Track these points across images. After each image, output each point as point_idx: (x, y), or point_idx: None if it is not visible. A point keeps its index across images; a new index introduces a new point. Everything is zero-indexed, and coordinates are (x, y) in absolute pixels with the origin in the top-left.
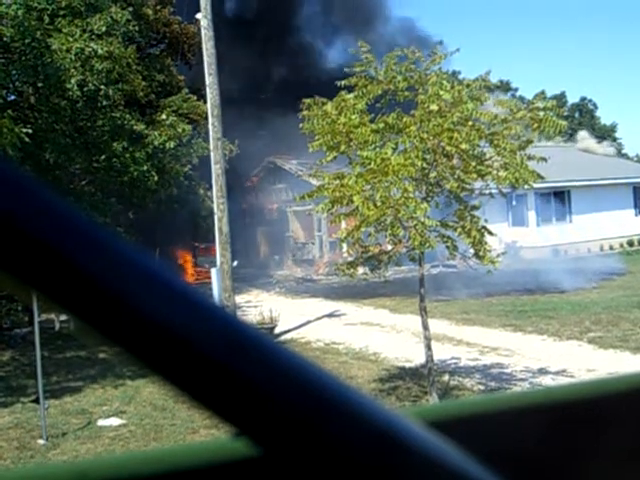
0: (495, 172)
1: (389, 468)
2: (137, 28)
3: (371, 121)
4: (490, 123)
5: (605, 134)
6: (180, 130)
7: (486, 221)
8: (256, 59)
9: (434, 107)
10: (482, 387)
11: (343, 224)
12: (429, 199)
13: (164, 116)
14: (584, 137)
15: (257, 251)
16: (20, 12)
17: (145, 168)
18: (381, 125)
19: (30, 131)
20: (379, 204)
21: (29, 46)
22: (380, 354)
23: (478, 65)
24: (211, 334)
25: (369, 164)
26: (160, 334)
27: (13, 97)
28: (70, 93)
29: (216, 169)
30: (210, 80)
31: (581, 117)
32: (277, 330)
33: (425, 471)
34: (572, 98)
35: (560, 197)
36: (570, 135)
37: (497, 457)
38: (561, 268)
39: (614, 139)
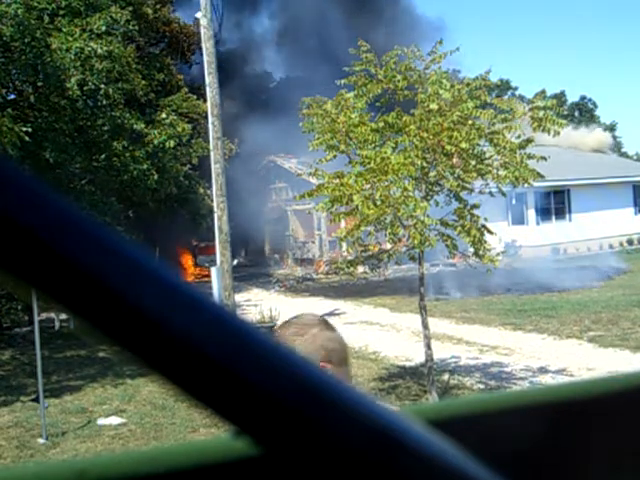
0: (495, 171)
1: (389, 467)
2: (137, 27)
3: (371, 120)
4: (490, 122)
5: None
6: (180, 129)
7: (486, 220)
8: None
9: (434, 106)
10: (482, 386)
11: (343, 223)
12: (429, 198)
13: (164, 115)
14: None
15: (257, 250)
16: (20, 11)
17: (145, 167)
18: (381, 124)
19: (30, 130)
20: (379, 203)
21: (29, 45)
22: (380, 353)
23: (478, 64)
24: (211, 332)
25: (369, 163)
26: (160, 332)
27: (13, 96)
28: (70, 92)
29: (216, 168)
30: (210, 79)
31: (581, 116)
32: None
33: (425, 470)
34: (572, 97)
35: (560, 195)
36: None
37: (497, 456)
38: (560, 267)
39: (614, 137)
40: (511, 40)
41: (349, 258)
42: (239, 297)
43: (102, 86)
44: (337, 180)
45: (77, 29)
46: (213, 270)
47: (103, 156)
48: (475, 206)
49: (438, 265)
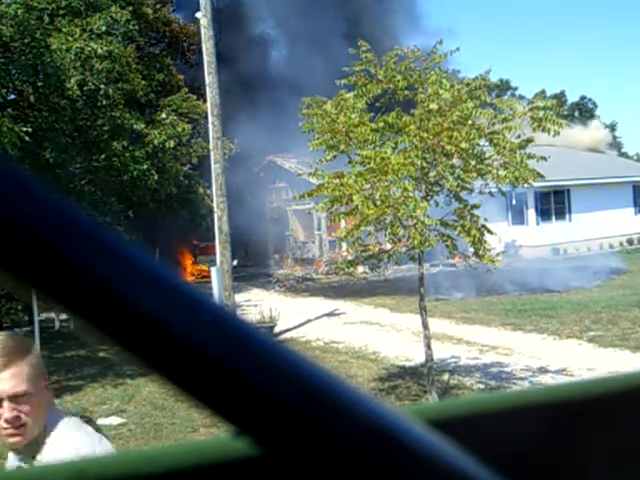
0: (495, 171)
1: (389, 467)
2: (137, 27)
3: (371, 120)
4: (490, 122)
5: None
6: (180, 129)
7: (486, 220)
8: None
9: (434, 106)
10: (482, 386)
11: (343, 223)
12: (429, 198)
13: (164, 115)
14: None
15: (257, 250)
16: (20, 11)
17: (145, 167)
18: (381, 124)
19: (30, 130)
20: (379, 203)
21: (29, 45)
22: (380, 353)
23: (478, 64)
24: (211, 332)
25: (369, 163)
26: (160, 332)
27: (13, 96)
28: (70, 92)
29: (216, 168)
30: (210, 79)
31: (581, 116)
32: (277, 329)
33: (425, 470)
34: (572, 97)
35: (560, 196)
36: None
37: (497, 456)
38: (560, 267)
39: (614, 138)
40: (511, 40)
41: (349, 258)
42: (239, 297)
43: (102, 86)
44: (337, 180)
45: (77, 29)
46: (213, 270)
47: (103, 156)
48: (475, 206)
49: (438, 265)
